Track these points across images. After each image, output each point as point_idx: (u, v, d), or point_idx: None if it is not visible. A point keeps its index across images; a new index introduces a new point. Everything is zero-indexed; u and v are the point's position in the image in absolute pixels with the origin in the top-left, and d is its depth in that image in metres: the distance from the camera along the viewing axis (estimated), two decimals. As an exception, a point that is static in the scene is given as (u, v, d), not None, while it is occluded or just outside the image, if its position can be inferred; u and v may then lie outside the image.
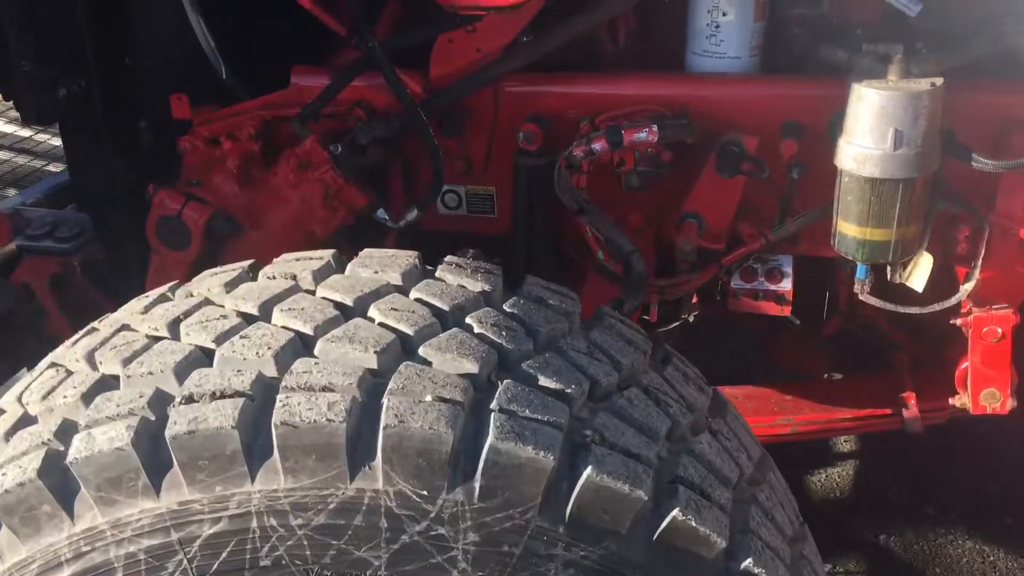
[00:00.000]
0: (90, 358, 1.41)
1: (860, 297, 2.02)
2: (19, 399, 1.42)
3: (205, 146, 2.24)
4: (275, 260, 1.60)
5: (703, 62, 2.14)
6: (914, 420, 2.24)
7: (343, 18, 2.17)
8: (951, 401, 2.17)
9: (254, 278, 1.54)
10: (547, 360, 1.37)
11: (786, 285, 2.15)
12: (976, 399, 2.11)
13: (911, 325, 2.36)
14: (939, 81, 1.80)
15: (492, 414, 1.25)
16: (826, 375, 2.65)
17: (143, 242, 2.34)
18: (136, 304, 1.55)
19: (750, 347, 2.95)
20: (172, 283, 1.60)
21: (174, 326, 1.41)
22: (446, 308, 1.42)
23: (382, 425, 1.22)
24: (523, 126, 2.11)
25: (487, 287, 1.50)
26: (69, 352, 1.47)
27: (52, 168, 3.95)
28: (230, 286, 1.50)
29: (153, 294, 1.57)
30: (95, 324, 1.56)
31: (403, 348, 1.34)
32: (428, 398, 1.25)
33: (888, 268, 2.00)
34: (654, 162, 2.05)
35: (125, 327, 1.47)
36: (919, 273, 1.99)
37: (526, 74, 2.15)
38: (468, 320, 1.40)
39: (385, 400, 1.24)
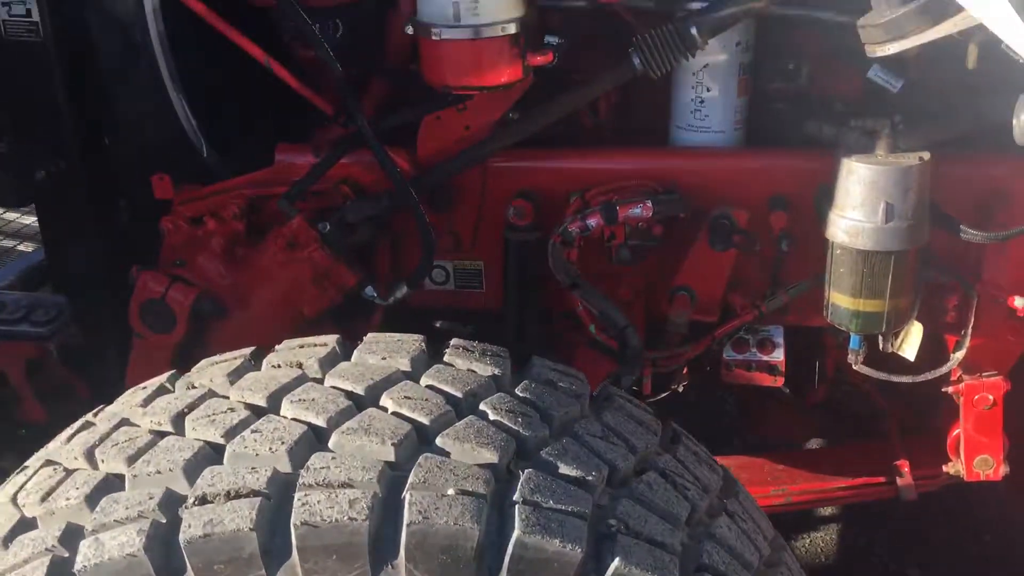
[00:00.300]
0: (90, 455, 1.36)
1: (854, 367, 2.03)
2: (13, 500, 1.35)
3: (188, 226, 2.21)
4: (277, 347, 1.57)
5: (688, 136, 2.17)
6: (908, 488, 2.25)
7: (329, 97, 2.17)
8: (945, 468, 2.18)
9: (258, 367, 1.51)
10: (565, 447, 1.35)
11: (778, 355, 2.16)
12: (970, 466, 2.12)
13: (896, 392, 2.38)
14: (926, 155, 1.84)
15: (516, 506, 1.23)
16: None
17: (122, 325, 2.28)
18: (134, 396, 1.51)
19: (732, 414, 2.95)
20: (170, 373, 1.56)
21: (179, 420, 1.37)
22: (459, 395, 1.40)
23: (405, 522, 1.18)
24: (513, 202, 2.11)
25: (497, 371, 1.48)
26: (65, 449, 1.41)
27: (23, 248, 3.86)
28: (234, 376, 1.46)
29: (151, 385, 1.53)
30: (90, 417, 1.51)
31: (420, 439, 1.31)
32: (451, 491, 1.22)
33: (880, 338, 2.02)
34: (644, 236, 2.06)
35: (125, 421, 1.42)
36: (910, 342, 2.01)
37: (513, 150, 2.16)
38: (482, 407, 1.38)
39: (407, 495, 1.21)
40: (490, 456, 1.28)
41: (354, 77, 2.10)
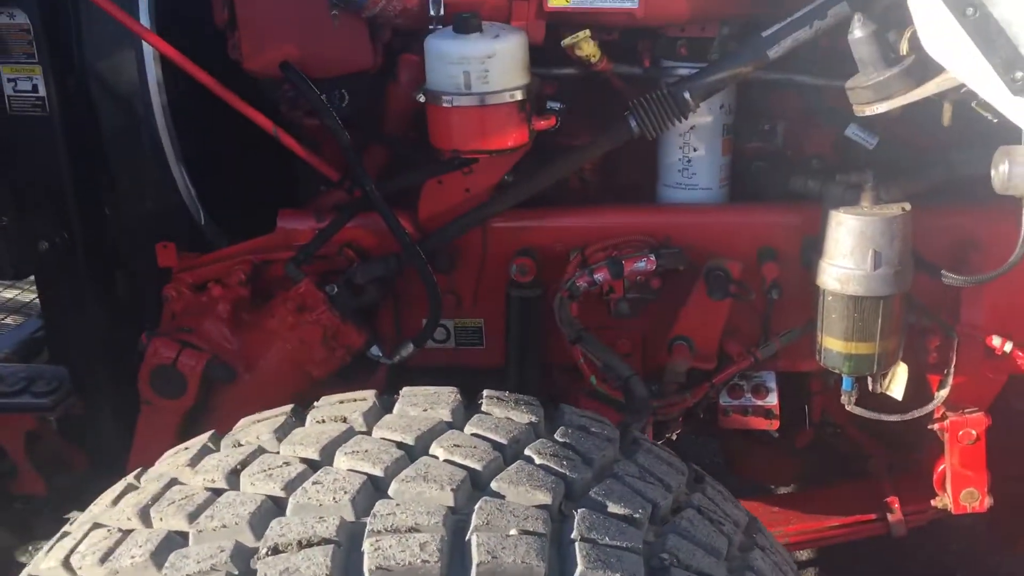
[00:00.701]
0: (144, 515, 1.37)
1: (848, 408, 2.13)
2: (66, 564, 1.36)
3: (190, 293, 2.24)
4: (317, 404, 1.61)
5: (676, 194, 2.28)
6: (899, 524, 2.35)
7: (332, 163, 2.24)
8: (933, 503, 2.28)
9: (301, 423, 1.54)
10: (610, 487, 1.42)
11: (772, 400, 2.26)
12: (957, 499, 2.23)
13: (881, 431, 2.49)
14: (908, 206, 1.98)
15: (575, 544, 1.28)
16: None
17: (121, 394, 2.30)
18: (177, 458, 1.53)
19: (717, 459, 3.03)
20: (210, 433, 1.58)
21: (233, 476, 1.40)
22: (504, 441, 1.45)
23: (475, 562, 1.23)
24: (516, 259, 2.18)
25: (533, 418, 1.54)
26: (114, 511, 1.42)
27: (9, 321, 3.80)
28: (280, 432, 1.49)
29: (192, 446, 1.55)
30: (131, 480, 1.53)
31: (474, 484, 1.36)
32: (513, 532, 1.27)
33: (869, 379, 2.13)
34: (643, 289, 2.16)
35: (175, 481, 1.44)
36: (897, 383, 2.12)
37: (512, 209, 2.24)
38: (527, 452, 1.44)
39: (473, 537, 1.25)
40: (543, 498, 1.34)
41: (356, 144, 2.17)
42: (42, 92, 2.12)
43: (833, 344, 2.05)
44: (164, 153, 2.22)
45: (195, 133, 2.30)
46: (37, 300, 2.49)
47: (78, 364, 2.33)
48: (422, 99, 1.99)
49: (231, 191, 2.46)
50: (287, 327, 2.16)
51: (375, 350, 2.25)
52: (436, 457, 1.40)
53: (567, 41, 2.03)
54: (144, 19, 2.11)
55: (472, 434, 1.47)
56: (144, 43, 2.11)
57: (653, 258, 2.05)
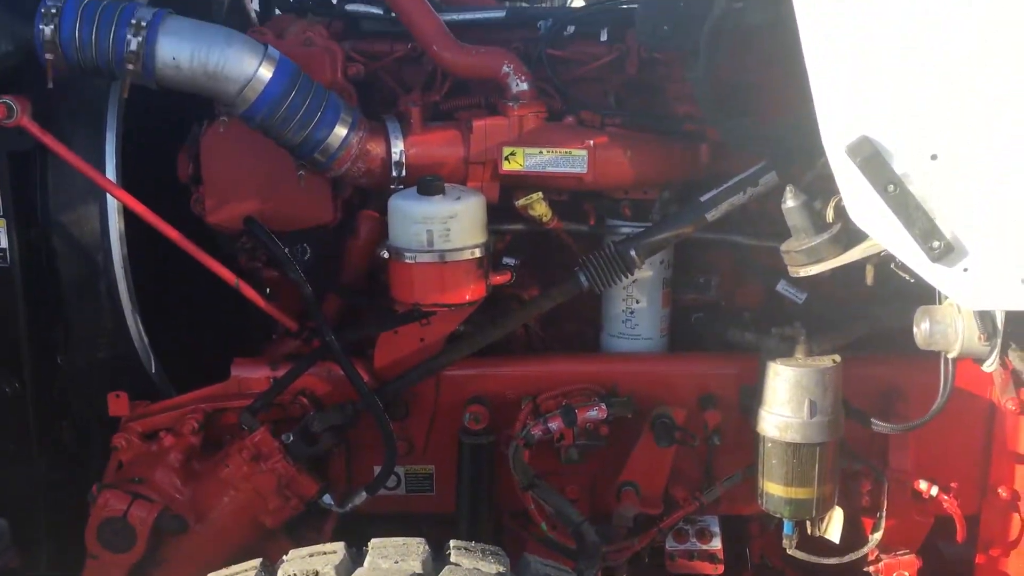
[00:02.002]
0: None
1: (789, 552, 2.22)
2: None
3: (140, 442, 2.24)
4: (286, 558, 1.62)
5: (620, 343, 2.41)
6: (842, 663, 2.41)
7: (289, 311, 2.30)
8: (873, 640, 2.35)
9: (272, 577, 1.55)
10: (580, 637, 1.46)
11: (716, 544, 2.33)
12: (895, 636, 2.30)
13: (816, 574, 2.57)
14: (838, 357, 2.12)
15: None
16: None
17: (59, 546, 2.25)
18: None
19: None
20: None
21: (208, 635, 1.40)
22: (476, 593, 1.49)
23: None
24: (469, 407, 2.25)
25: (501, 568, 1.59)
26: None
27: None
28: (253, 588, 1.50)
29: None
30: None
31: (452, 636, 1.39)
32: None
33: (808, 523, 2.22)
34: (592, 436, 2.23)
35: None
36: (834, 526, 2.22)
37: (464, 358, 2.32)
38: (500, 602, 1.48)
39: None
40: (519, 649, 1.37)
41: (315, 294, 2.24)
42: (3, 243, 2.15)
43: (774, 489, 2.15)
44: (120, 303, 2.25)
45: (150, 282, 2.34)
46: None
47: (19, 516, 2.28)
48: (385, 255, 2.08)
49: (182, 339, 2.49)
50: (241, 476, 2.17)
51: (327, 498, 2.26)
52: (412, 610, 1.43)
53: (521, 202, 2.16)
54: (110, 172, 2.18)
55: (446, 586, 1.50)
56: (108, 196, 2.17)
57: (604, 407, 2.14)
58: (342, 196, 2.28)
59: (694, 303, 2.48)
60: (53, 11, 1.93)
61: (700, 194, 2.19)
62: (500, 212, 2.23)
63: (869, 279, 2.04)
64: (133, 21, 1.94)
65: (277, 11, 3.00)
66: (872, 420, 2.14)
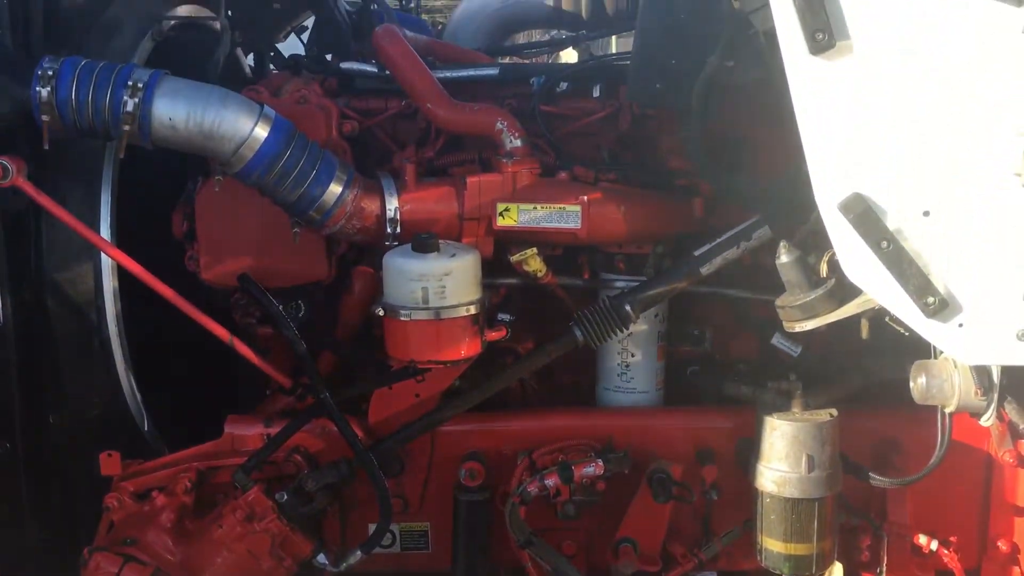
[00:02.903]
0: None
1: (790, 607, 2.19)
2: None
3: (132, 502, 2.21)
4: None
5: (615, 397, 2.40)
6: None
7: (283, 368, 2.29)
8: None
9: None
10: None
11: (716, 602, 2.30)
12: None
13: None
14: (835, 412, 2.12)
15: None
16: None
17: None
18: None
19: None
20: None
21: None
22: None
23: None
24: (465, 464, 2.24)
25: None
26: None
27: None
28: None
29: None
30: None
31: None
32: None
33: (807, 578, 2.20)
34: (588, 492, 2.21)
35: None
36: (834, 582, 2.20)
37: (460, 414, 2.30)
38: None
39: None
40: None
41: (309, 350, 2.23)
42: (-3, 302, 2.14)
43: (773, 545, 2.13)
44: (113, 361, 2.24)
45: (143, 338, 2.33)
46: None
47: (9, 579, 2.24)
48: (380, 312, 2.08)
49: (175, 395, 2.47)
50: (234, 537, 2.14)
51: (322, 558, 2.23)
52: None
53: (515, 258, 2.17)
54: (104, 231, 2.18)
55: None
56: (102, 254, 2.17)
57: (601, 463, 2.13)
58: (337, 252, 2.28)
59: (689, 355, 2.48)
60: (50, 73, 1.95)
61: (694, 247, 2.20)
62: (495, 265, 2.24)
63: (864, 333, 2.04)
64: (129, 82, 1.96)
65: (272, 67, 3.04)
66: (870, 474, 2.13)
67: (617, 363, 2.38)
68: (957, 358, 1.78)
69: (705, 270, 2.16)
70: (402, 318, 2.05)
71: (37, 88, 1.94)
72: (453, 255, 2.05)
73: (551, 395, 2.50)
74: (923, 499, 2.23)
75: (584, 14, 3.41)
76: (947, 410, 1.87)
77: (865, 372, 2.27)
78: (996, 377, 1.80)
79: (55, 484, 2.32)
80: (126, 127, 1.96)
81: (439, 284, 2.02)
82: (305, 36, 3.12)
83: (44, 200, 2.05)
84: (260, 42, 3.04)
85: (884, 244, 1.68)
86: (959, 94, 1.63)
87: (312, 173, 2.07)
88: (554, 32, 4.02)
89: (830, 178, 1.68)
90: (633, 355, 2.36)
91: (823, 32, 1.61)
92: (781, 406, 2.14)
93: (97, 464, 2.20)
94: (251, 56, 3.12)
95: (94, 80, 1.96)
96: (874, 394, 2.30)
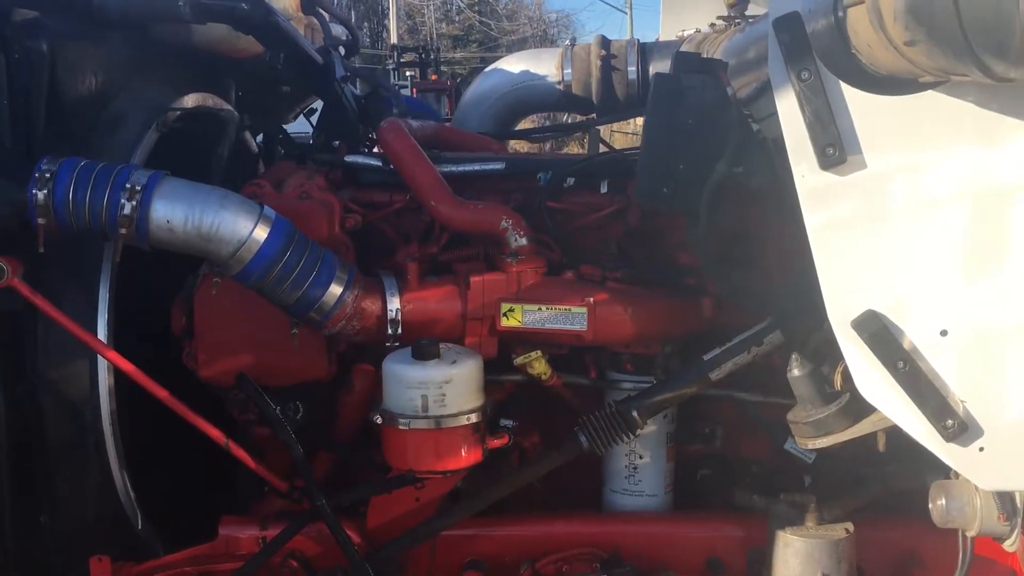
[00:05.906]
0: None
1: None
2: None
3: (123, 607, 2.14)
4: None
5: (623, 500, 2.32)
6: None
7: (279, 470, 2.23)
8: None
9: None
10: None
11: None
12: None
13: None
14: (851, 526, 2.03)
15: None
16: None
17: None
18: None
19: None
20: None
21: None
22: None
23: None
24: (465, 573, 2.16)
25: None
26: None
27: None
28: None
29: None
30: None
31: None
32: None
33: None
34: (593, 612, 2.13)
35: None
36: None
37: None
38: None
39: None
40: None
41: (306, 450, 2.17)
42: (-13, 407, 2.09)
43: (795, 662, 2.03)
44: (108, 460, 2.18)
45: (137, 437, 2.28)
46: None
47: None
48: (379, 420, 2.02)
49: (169, 494, 2.42)
50: (229, 654, 2.07)
51: (318, 668, 2.15)
52: None
53: (520, 360, 2.12)
54: (102, 331, 2.14)
55: None
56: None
57: (605, 577, 2.05)
58: (336, 350, 2.23)
59: (699, 454, 2.40)
60: (47, 175, 1.92)
61: (704, 345, 2.13)
62: (499, 361, 2.18)
63: (881, 445, 1.97)
64: (128, 185, 1.93)
65: (281, 149, 3.03)
66: (889, 593, 2.04)
67: (624, 465, 2.30)
68: (978, 484, 1.70)
69: (715, 375, 2.09)
70: (401, 427, 1.99)
71: (34, 191, 1.92)
72: (454, 362, 2.00)
73: (556, 496, 2.42)
74: (945, 617, 2.13)
75: (595, 99, 3.39)
76: (969, 534, 1.79)
77: (883, 479, 2.18)
78: (1020, 502, 1.71)
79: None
80: (123, 230, 1.93)
81: (439, 392, 1.96)
82: (314, 119, 3.11)
83: (39, 301, 2.02)
84: (268, 125, 3.03)
85: (900, 364, 1.61)
86: (975, 209, 1.58)
87: (312, 275, 2.02)
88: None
89: (843, 295, 1.63)
90: (641, 457, 2.29)
91: (833, 147, 1.57)
92: (794, 519, 2.07)
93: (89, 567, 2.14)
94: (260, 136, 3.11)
95: (91, 182, 1.93)
96: (893, 503, 2.21)
